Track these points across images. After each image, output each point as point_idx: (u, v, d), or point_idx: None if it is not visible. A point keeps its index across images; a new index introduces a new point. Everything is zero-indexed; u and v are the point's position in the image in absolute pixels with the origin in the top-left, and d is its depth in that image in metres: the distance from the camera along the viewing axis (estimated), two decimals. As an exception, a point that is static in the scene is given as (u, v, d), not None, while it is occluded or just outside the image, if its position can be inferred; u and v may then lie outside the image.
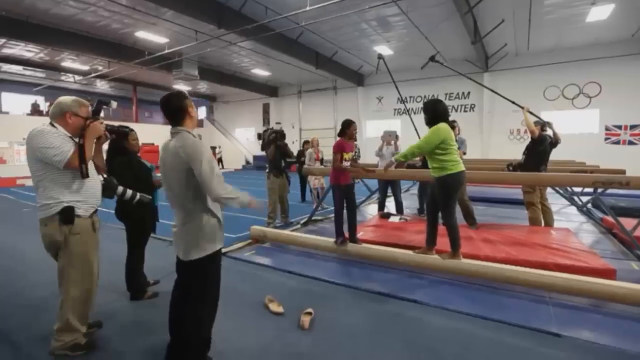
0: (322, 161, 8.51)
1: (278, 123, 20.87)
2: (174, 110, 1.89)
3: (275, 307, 2.67)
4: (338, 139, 3.87)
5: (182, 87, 20.93)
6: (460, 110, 16.19)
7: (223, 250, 4.22)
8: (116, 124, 2.83)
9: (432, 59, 5.68)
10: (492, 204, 7.41)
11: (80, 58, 15.17)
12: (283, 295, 2.94)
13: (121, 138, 2.84)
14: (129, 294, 2.96)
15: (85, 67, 16.63)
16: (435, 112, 3.25)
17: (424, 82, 16.08)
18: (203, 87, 21.92)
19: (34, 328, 2.48)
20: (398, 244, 3.93)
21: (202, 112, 26.27)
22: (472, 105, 16.09)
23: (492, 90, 6.02)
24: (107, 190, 2.43)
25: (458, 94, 16.39)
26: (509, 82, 14.29)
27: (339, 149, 3.74)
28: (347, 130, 3.81)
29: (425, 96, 16.87)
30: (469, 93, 16.15)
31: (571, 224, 5.71)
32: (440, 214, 3.35)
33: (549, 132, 4.94)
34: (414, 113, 17.70)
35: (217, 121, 25.23)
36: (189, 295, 1.91)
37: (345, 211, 3.88)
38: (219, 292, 2.02)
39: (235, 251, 4.33)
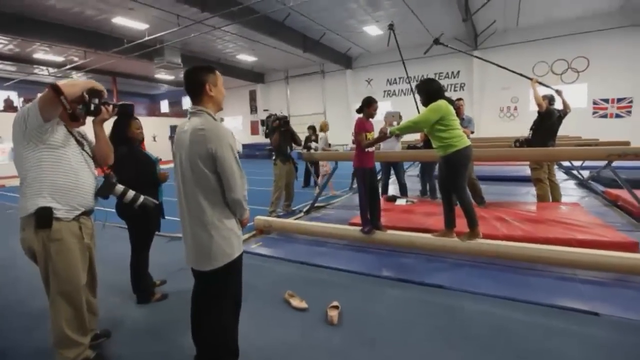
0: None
1: (266, 110, 20.43)
2: (191, 85, 1.64)
3: (297, 302, 2.52)
4: (357, 117, 3.65)
5: (164, 76, 20.25)
6: (451, 90, 16.08)
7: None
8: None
9: (436, 41, 5.47)
10: (493, 182, 7.36)
11: (54, 49, 14.37)
12: (301, 288, 2.79)
13: (125, 117, 2.45)
14: (135, 296, 2.76)
15: (60, 59, 15.80)
16: (429, 92, 3.15)
17: (412, 62, 15.62)
18: (186, 75, 21.16)
19: (36, 339, 2.26)
20: (411, 227, 3.81)
21: (186, 102, 25.54)
22: (462, 84, 16.02)
23: (499, 65, 5.84)
24: (103, 190, 2.01)
25: (448, 73, 16.27)
26: (498, 59, 13.82)
27: (361, 129, 3.51)
28: (367, 108, 3.56)
29: (414, 77, 16.68)
30: (458, 72, 16.04)
31: (572, 197, 5.71)
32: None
33: (558, 105, 4.83)
34: (404, 94, 17.62)
35: (203, 110, 24.53)
36: (206, 305, 1.69)
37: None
38: (240, 299, 1.81)
39: (241, 244, 4.14)
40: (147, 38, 12.03)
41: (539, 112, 4.70)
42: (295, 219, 5.16)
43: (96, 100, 1.84)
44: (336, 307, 2.40)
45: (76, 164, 1.83)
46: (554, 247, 2.89)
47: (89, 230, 1.94)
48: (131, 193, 2.22)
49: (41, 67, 16.99)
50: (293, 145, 5.76)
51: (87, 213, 1.93)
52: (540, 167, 4.72)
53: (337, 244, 3.92)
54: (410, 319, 2.36)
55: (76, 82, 1.76)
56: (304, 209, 5.67)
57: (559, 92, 4.92)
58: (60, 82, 1.65)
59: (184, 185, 1.62)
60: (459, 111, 4.54)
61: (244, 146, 21.87)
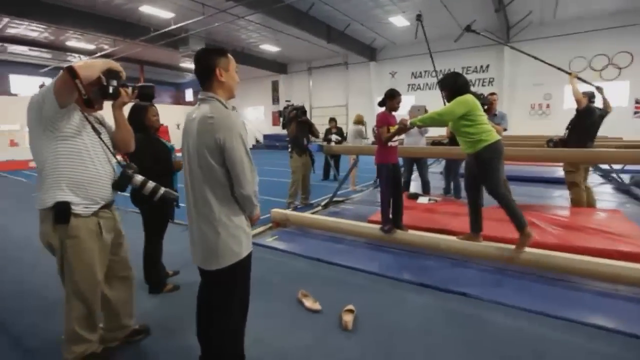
0: (341, 142, 8.21)
1: (288, 101, 20.33)
2: (201, 69, 1.51)
3: (311, 303, 2.40)
4: (380, 111, 3.48)
5: (189, 65, 20.47)
6: (479, 85, 15.45)
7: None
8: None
9: (467, 28, 5.15)
10: (521, 183, 6.98)
11: (85, 37, 14.74)
12: (316, 288, 2.68)
13: (146, 99, 2.17)
14: (147, 286, 2.72)
15: (91, 46, 16.21)
16: (454, 87, 2.91)
17: (440, 55, 15.14)
18: (210, 65, 21.33)
19: (48, 331, 2.23)
20: (433, 228, 3.61)
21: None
22: (491, 79, 15.35)
23: (537, 58, 5.44)
24: (120, 182, 1.86)
25: (476, 67, 15.61)
26: (532, 53, 13.48)
27: (383, 123, 3.34)
28: (390, 101, 3.39)
29: (441, 70, 16.11)
30: (487, 66, 15.38)
31: (610, 203, 5.33)
32: (481, 195, 3.03)
33: (598, 103, 4.46)
34: (429, 88, 17.09)
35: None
36: (213, 306, 1.60)
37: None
38: (248, 300, 1.71)
39: (256, 236, 4.06)
40: (172, 27, 12.12)
41: (577, 110, 4.35)
42: (313, 212, 5.05)
43: (114, 83, 1.72)
44: (351, 311, 2.26)
45: (94, 154, 1.72)
46: (595, 258, 2.63)
47: (111, 223, 1.85)
48: (151, 184, 2.02)
49: (74, 54, 17.52)
50: (311, 137, 5.59)
51: (108, 205, 1.83)
52: (576, 170, 4.39)
53: (355, 241, 3.78)
54: (434, 329, 2.19)
55: (93, 63, 1.63)
56: (323, 203, 5.54)
57: (599, 90, 4.54)
58: (77, 64, 1.53)
59: (191, 179, 1.51)
60: (491, 107, 4.26)
61: (265, 137, 21.93)
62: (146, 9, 11.44)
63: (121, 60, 18.32)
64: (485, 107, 3.85)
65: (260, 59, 18.93)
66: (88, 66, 1.58)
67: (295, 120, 5.29)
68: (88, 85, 1.58)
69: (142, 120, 2.54)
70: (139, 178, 1.99)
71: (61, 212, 1.63)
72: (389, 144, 3.39)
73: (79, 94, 1.53)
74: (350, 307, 2.30)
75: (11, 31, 14.19)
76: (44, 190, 1.65)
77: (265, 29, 14.18)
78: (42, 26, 13.43)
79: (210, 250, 1.49)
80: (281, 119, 5.98)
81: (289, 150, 5.46)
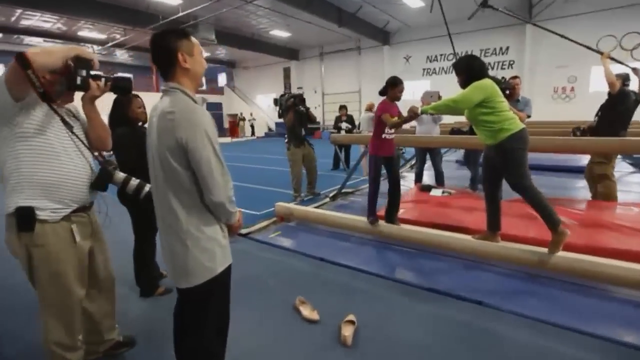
0: (351, 130, 7.94)
1: (299, 88, 19.93)
2: (159, 56, 1.27)
3: (308, 311, 2.20)
4: (381, 99, 3.24)
5: (199, 53, 20.29)
6: (497, 68, 14.73)
7: (244, 232, 3.82)
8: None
9: (484, 3, 4.71)
10: (538, 173, 6.53)
11: (97, 27, 14.72)
12: (316, 292, 2.48)
13: (121, 93, 2.13)
14: (138, 289, 2.58)
15: (103, 36, 16.21)
16: (470, 71, 2.60)
17: (456, 37, 14.28)
18: (222, 52, 21.15)
19: (27, 338, 2.08)
20: (446, 224, 3.34)
21: (222, 79, 25.64)
22: (511, 62, 14.60)
23: (565, 37, 4.96)
24: (99, 181, 1.65)
25: (495, 49, 14.87)
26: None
27: (382, 113, 3.10)
28: (392, 89, 3.15)
29: (459, 53, 15.42)
30: (507, 48, 14.61)
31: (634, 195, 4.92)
32: (501, 190, 2.74)
33: (633, 86, 4.02)
34: (445, 72, 16.42)
35: (238, 88, 24.56)
36: (186, 326, 1.41)
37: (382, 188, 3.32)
38: (227, 321, 1.52)
39: (259, 232, 3.89)
40: (181, 14, 11.94)
41: (609, 94, 3.93)
42: (320, 205, 4.84)
43: (84, 72, 1.47)
44: (352, 323, 2.05)
45: (63, 152, 1.50)
46: (634, 264, 2.32)
47: (87, 228, 1.65)
48: (134, 182, 1.83)
49: (87, 44, 17.56)
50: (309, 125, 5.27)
51: (83, 208, 1.62)
52: (608, 161, 4.00)
53: (361, 238, 3.56)
54: (445, 345, 1.95)
55: (54, 49, 1.38)
56: (331, 195, 5.32)
57: (635, 71, 4.08)
58: (31, 50, 1.29)
59: (156, 184, 1.31)
60: (513, 92, 3.88)
61: (277, 124, 21.72)
62: (153, -4, 11.24)
63: (133, 49, 18.33)
64: (507, 92, 3.51)
65: (270, 45, 18.57)
66: (46, 52, 1.34)
67: (293, 109, 4.99)
68: (53, 75, 1.37)
69: (126, 113, 2.34)
70: (120, 175, 1.79)
71: (24, 219, 1.44)
72: (384, 135, 3.17)
73: (33, 86, 1.32)
74: (351, 317, 2.09)
75: (25, 22, 14.29)
76: (7, 194, 1.47)
77: (275, 14, 13.81)
78: (54, 17, 13.44)
79: (179, 266, 1.30)
80: (277, 108, 5.67)
81: (286, 141, 5.14)
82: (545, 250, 2.55)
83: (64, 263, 1.52)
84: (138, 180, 1.85)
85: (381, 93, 3.24)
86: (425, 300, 2.40)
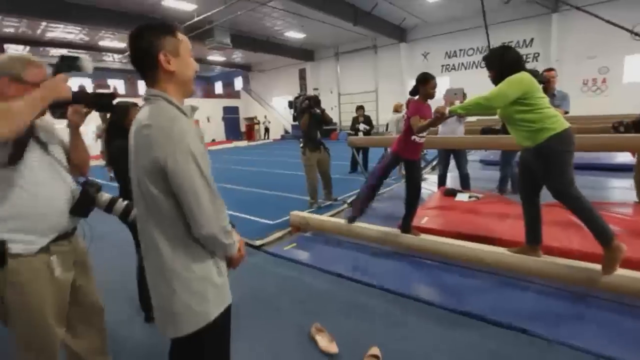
0: (369, 131, 7.69)
1: (316, 89, 19.80)
2: (137, 56, 1.04)
3: (325, 342, 1.96)
4: (410, 99, 3.01)
5: (216, 58, 20.43)
6: (522, 61, 14.06)
7: (257, 244, 3.61)
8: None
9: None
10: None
11: (117, 35, 15.02)
12: (333, 316, 2.26)
13: (119, 114, 2.10)
14: (144, 313, 2.39)
15: (123, 45, 16.53)
16: (505, 63, 2.28)
17: (475, 32, 13.93)
18: (238, 56, 21.22)
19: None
20: (475, 234, 3.04)
21: (238, 83, 25.78)
22: (536, 55, 13.91)
23: (608, 21, 4.54)
24: (79, 205, 1.45)
25: (519, 42, 14.17)
26: (585, 23, 11.94)
27: (415, 114, 2.83)
28: (423, 86, 2.86)
29: (478, 48, 14.85)
30: (532, 40, 13.92)
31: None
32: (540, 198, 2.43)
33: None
34: (465, 68, 15.84)
35: (254, 91, 24.62)
36: None
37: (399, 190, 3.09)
38: None
39: (273, 243, 3.68)
40: (196, 19, 11.98)
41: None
42: (337, 212, 4.60)
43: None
44: (376, 358, 1.79)
45: (33, 176, 1.31)
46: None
47: (70, 257, 1.46)
48: (121, 204, 1.68)
49: (108, 54, 18.01)
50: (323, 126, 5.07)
51: (65, 235, 1.43)
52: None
53: (382, 249, 3.29)
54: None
55: (15, 110, 1.11)
56: (349, 201, 5.06)
57: None
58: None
59: (139, 212, 1.08)
60: (548, 85, 3.53)
61: (293, 127, 21.59)
62: (168, 2, 11.33)
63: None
64: (542, 86, 3.17)
65: (285, 47, 18.49)
66: (30, 106, 1.17)
67: (308, 112, 4.78)
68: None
69: (122, 123, 2.17)
70: (105, 197, 1.64)
71: None
72: (414, 137, 2.89)
73: None
74: (375, 351, 1.84)
75: (50, 35, 14.76)
76: None
77: (289, 15, 13.69)
78: (77, 28, 13.81)
79: (165, 311, 1.07)
80: (292, 111, 5.46)
81: (301, 145, 4.94)
82: (594, 266, 2.23)
83: (42, 298, 1.33)
84: (126, 202, 1.70)
85: (412, 93, 2.97)
86: (457, 326, 2.13)
